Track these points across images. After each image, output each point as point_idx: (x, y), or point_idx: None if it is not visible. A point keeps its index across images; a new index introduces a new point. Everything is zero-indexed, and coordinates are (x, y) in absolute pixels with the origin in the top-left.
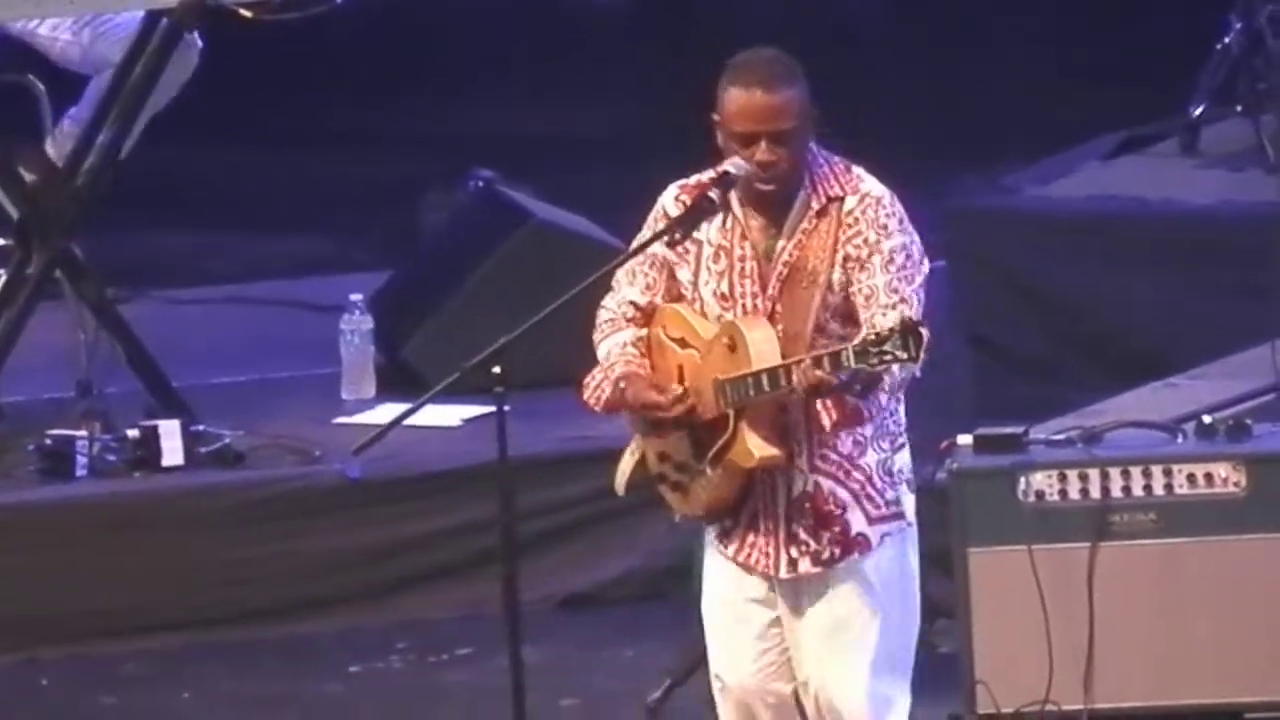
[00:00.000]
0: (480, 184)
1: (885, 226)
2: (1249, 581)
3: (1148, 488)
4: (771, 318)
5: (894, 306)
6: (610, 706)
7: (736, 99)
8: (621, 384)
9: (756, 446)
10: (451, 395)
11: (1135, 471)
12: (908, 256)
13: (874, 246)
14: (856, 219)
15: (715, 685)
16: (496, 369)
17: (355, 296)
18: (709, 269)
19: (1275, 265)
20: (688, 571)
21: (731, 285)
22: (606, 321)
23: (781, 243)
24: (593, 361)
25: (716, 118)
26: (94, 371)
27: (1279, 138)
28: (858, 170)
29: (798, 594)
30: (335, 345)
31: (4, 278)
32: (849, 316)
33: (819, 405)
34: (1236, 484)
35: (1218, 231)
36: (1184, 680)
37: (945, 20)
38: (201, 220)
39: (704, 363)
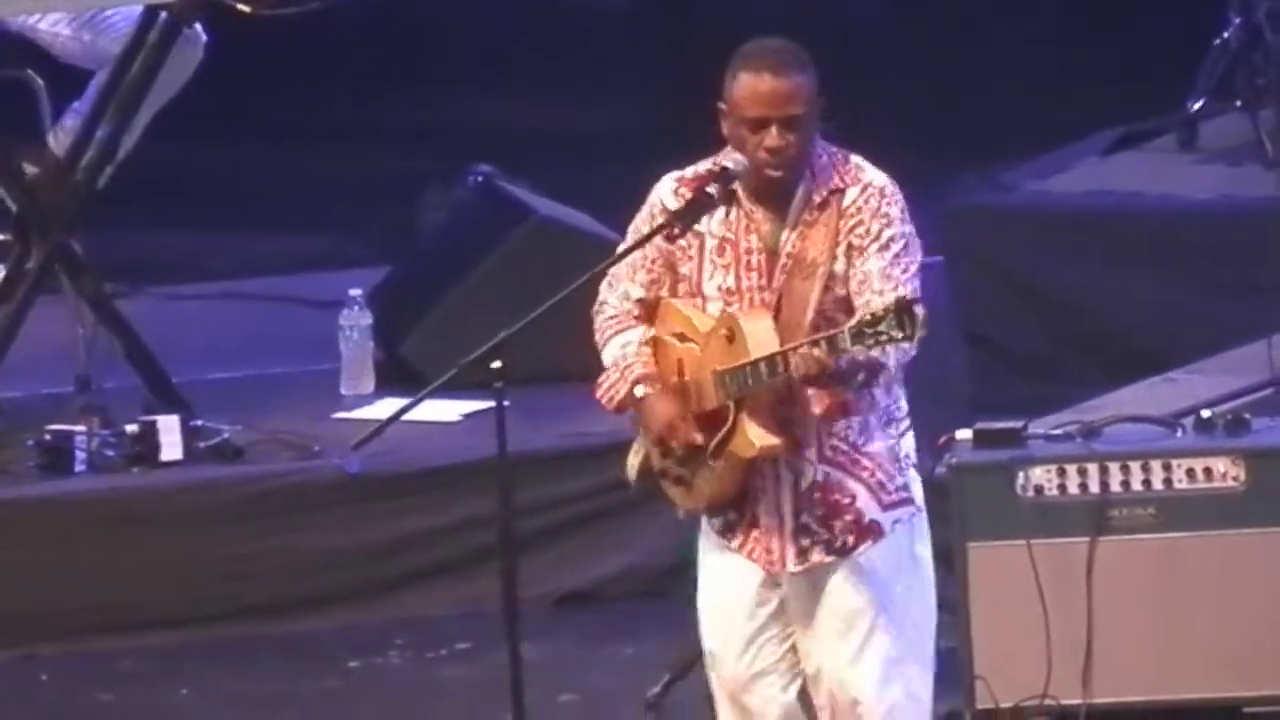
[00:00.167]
0: (480, 179)
1: (888, 215)
2: (1248, 576)
3: (1147, 482)
4: (776, 309)
5: (890, 289)
6: (609, 703)
7: (747, 84)
8: (640, 386)
9: (757, 436)
10: (451, 390)
11: (1134, 466)
12: (905, 244)
13: (875, 235)
14: (859, 209)
15: (712, 680)
16: (496, 364)
17: (354, 292)
18: (714, 262)
19: (1274, 260)
20: (687, 568)
21: (738, 278)
22: (611, 318)
23: (786, 233)
24: (593, 357)
25: (724, 105)
26: (92, 367)
27: (1277, 133)
28: (856, 160)
29: (809, 585)
30: (334, 341)
31: (3, 273)
32: (853, 309)
33: (808, 393)
34: (1235, 479)
35: (1216, 227)
36: (1183, 675)
37: (945, 20)
38: (200, 216)
39: (703, 355)
